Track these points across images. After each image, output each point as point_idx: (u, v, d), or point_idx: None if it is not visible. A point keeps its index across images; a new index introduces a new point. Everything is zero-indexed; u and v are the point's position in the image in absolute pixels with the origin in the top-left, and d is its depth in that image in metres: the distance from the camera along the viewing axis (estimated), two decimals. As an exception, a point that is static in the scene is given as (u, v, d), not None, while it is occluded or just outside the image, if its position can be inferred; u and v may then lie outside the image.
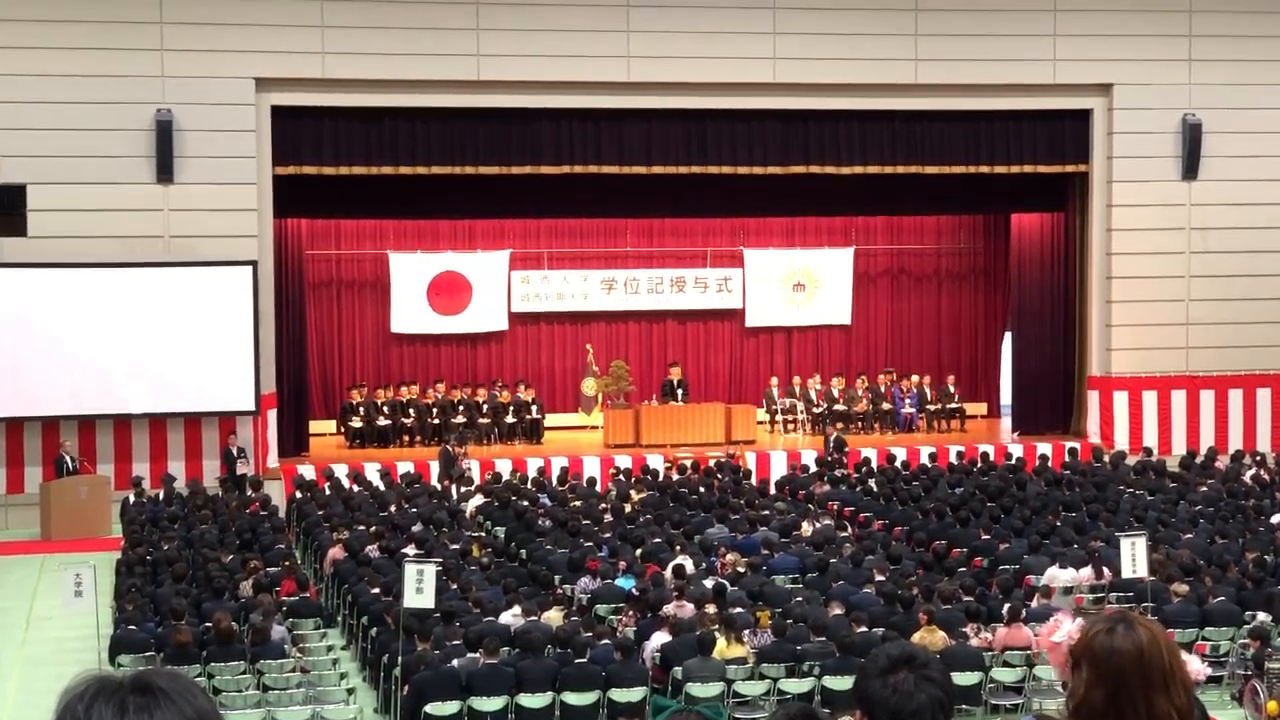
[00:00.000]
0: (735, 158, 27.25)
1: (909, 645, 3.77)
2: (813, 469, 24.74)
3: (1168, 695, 3.49)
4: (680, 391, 29.32)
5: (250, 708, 13.32)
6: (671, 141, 27.07)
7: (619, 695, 13.71)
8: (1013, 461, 25.27)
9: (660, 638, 14.56)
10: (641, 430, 27.97)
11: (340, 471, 24.58)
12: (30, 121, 24.19)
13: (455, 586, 16.38)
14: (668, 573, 16.91)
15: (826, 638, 14.40)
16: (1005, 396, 31.69)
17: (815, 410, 29.82)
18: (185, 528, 20.45)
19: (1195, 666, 3.82)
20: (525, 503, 21.60)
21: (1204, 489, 22.72)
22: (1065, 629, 3.88)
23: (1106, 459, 25.35)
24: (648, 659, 14.32)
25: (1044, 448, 26.99)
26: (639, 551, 18.20)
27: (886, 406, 30.03)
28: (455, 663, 13.68)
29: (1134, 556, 15.38)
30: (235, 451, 24.37)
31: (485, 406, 28.91)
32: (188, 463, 24.68)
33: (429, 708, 13.14)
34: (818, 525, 20.14)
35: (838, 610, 15.25)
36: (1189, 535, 19.31)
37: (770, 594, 16.51)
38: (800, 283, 31.50)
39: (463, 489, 23.48)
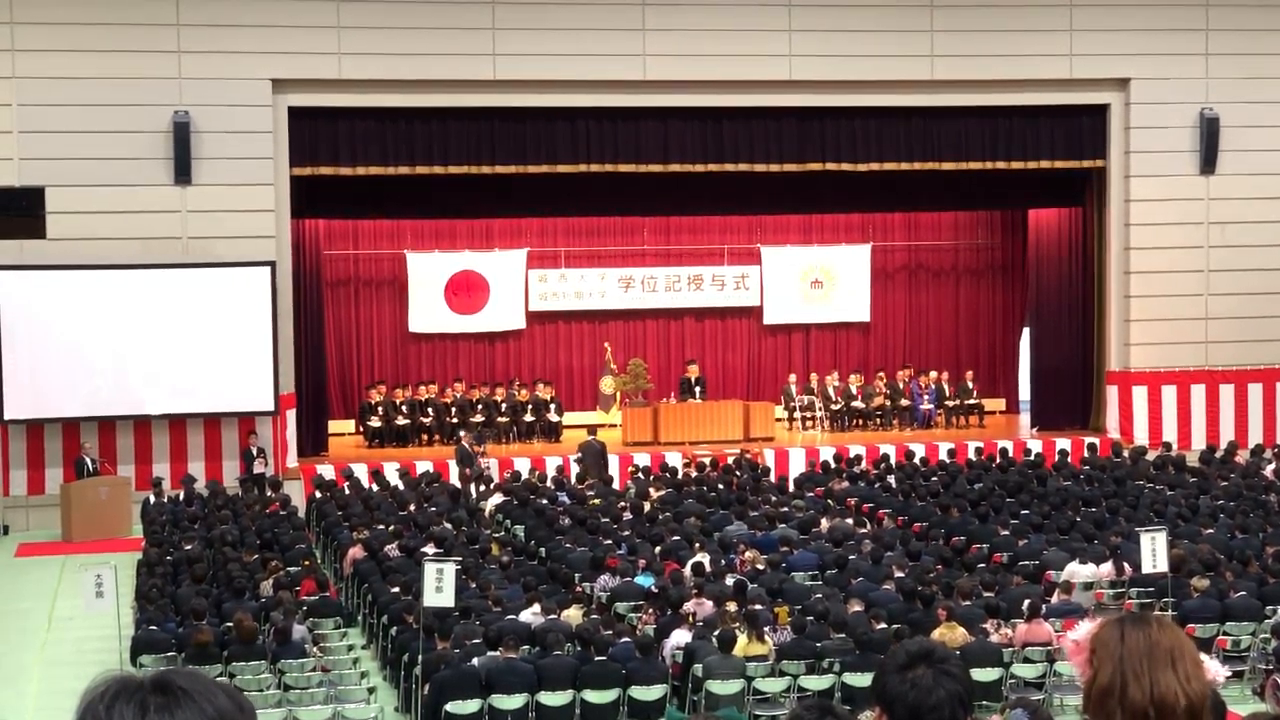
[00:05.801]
0: (752, 155, 27.23)
1: (927, 641, 3.77)
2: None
3: (1175, 673, 3.49)
4: (698, 389, 29.31)
5: (271, 707, 13.34)
6: (688, 139, 27.05)
7: (639, 693, 13.72)
8: (1032, 457, 25.18)
9: (680, 635, 14.57)
10: (660, 428, 27.96)
11: (359, 471, 24.63)
12: (48, 124, 24.28)
13: (474, 585, 16.41)
14: (687, 570, 16.92)
15: (846, 634, 14.39)
16: (1024, 392, 31.61)
17: (834, 407, 29.81)
18: (205, 528, 20.49)
19: (1214, 668, 3.80)
20: (544, 501, 21.64)
21: (1224, 484, 22.61)
22: (1083, 628, 3.89)
23: (1126, 454, 25.26)
24: (668, 656, 14.33)
25: (1063, 443, 26.93)
26: (658, 549, 18.21)
27: (905, 403, 30.01)
28: (475, 661, 13.70)
29: (1154, 552, 15.33)
30: (255, 451, 24.43)
31: (504, 405, 28.93)
32: (207, 463, 24.76)
33: (449, 706, 13.15)
34: (834, 522, 20.12)
35: (857, 607, 15.23)
36: (1209, 530, 19.23)
37: (789, 591, 16.50)
38: (818, 279, 31.48)
39: (482, 488, 23.51)
